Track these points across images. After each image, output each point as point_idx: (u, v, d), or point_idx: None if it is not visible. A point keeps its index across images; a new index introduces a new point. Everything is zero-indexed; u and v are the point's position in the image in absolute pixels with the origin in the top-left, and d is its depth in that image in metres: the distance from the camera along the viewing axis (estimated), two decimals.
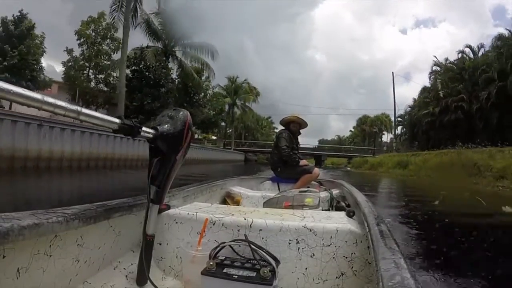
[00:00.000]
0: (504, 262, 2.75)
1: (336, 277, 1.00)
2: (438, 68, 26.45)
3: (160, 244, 1.14)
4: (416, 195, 8.66)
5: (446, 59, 25.93)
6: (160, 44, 21.06)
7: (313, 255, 1.01)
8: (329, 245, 1.01)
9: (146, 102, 17.92)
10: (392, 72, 32.98)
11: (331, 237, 1.02)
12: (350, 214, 1.30)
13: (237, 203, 2.35)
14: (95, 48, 20.53)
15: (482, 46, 23.82)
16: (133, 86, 17.92)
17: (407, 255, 2.16)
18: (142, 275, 0.96)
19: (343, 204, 1.91)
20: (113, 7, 15.87)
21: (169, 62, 21.31)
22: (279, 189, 2.92)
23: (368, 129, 47.41)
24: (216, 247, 0.98)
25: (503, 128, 18.36)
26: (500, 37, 20.43)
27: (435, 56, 28.72)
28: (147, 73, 18.80)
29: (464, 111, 21.51)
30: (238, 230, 1.06)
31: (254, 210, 1.36)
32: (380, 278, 0.60)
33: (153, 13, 19.94)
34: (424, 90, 27.16)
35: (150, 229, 0.98)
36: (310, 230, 1.03)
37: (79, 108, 0.66)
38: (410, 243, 3.18)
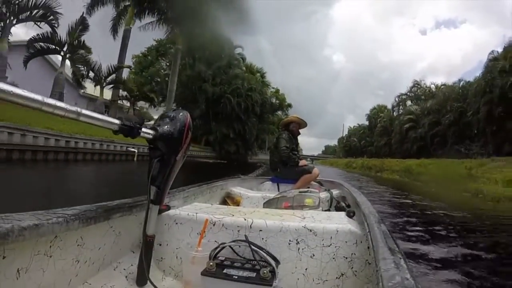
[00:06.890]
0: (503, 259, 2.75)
1: (336, 278, 1.00)
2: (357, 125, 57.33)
3: (160, 244, 1.13)
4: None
5: (364, 122, 55.29)
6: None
7: (313, 255, 1.01)
8: (329, 246, 1.01)
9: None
10: (343, 124, 58.85)
11: (331, 237, 1.02)
12: (350, 215, 1.30)
13: (237, 203, 2.35)
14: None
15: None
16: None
17: (407, 255, 2.16)
18: (142, 276, 0.96)
19: (343, 204, 1.91)
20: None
21: None
22: (278, 190, 2.92)
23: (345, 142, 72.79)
24: (216, 248, 0.98)
25: (392, 153, 39.23)
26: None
27: (349, 126, 57.80)
28: None
29: (358, 145, 51.90)
30: (238, 231, 1.06)
31: (254, 210, 1.35)
32: (380, 279, 0.60)
33: None
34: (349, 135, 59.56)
35: (150, 229, 0.98)
36: (310, 231, 1.03)
37: (79, 109, 0.66)
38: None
